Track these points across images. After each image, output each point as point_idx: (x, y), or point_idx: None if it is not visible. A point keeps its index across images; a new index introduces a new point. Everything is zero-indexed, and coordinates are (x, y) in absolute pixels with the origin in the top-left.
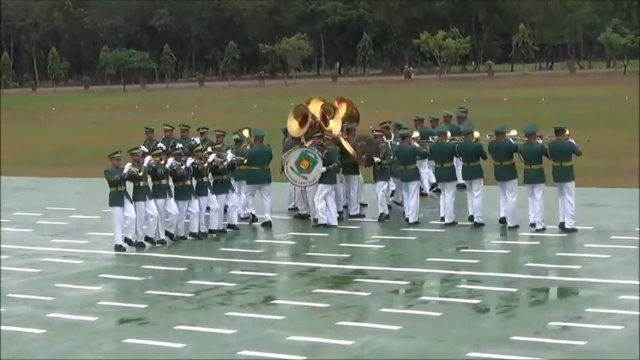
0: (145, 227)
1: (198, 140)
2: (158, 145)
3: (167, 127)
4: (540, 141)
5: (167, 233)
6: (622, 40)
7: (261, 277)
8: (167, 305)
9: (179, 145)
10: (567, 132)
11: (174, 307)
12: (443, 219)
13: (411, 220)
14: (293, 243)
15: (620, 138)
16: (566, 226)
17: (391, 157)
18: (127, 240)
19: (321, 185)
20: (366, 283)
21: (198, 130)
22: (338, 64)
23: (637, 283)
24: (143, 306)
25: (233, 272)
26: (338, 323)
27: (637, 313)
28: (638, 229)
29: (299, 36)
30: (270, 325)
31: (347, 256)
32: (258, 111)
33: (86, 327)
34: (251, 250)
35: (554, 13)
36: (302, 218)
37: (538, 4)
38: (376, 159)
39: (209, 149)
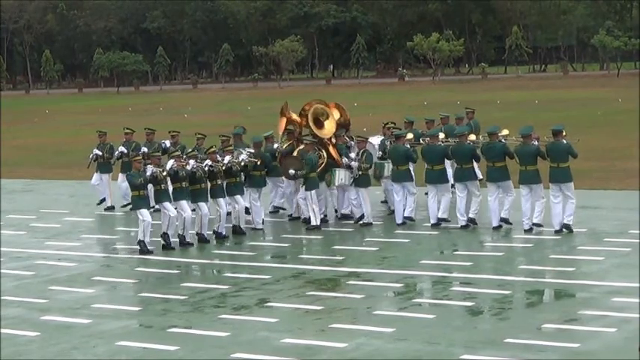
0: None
1: (168, 143)
2: (119, 148)
3: (127, 131)
4: (536, 143)
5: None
6: (615, 43)
7: (254, 280)
8: (161, 308)
9: (144, 149)
10: (564, 133)
11: (168, 310)
12: (433, 225)
13: (406, 214)
14: (286, 245)
15: (614, 140)
16: (565, 221)
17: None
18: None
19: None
20: (360, 286)
21: (169, 132)
22: (332, 66)
23: (631, 285)
24: (137, 308)
25: (226, 275)
26: (331, 326)
27: (631, 315)
28: (632, 231)
29: (292, 38)
30: (263, 327)
31: (340, 258)
32: (251, 113)
33: (80, 329)
34: (244, 253)
35: (548, 16)
36: (292, 220)
37: (532, 5)
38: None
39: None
